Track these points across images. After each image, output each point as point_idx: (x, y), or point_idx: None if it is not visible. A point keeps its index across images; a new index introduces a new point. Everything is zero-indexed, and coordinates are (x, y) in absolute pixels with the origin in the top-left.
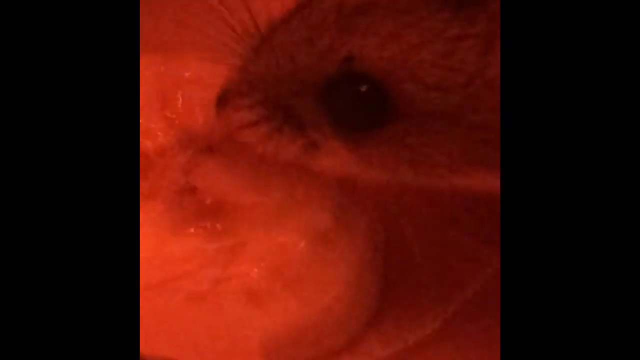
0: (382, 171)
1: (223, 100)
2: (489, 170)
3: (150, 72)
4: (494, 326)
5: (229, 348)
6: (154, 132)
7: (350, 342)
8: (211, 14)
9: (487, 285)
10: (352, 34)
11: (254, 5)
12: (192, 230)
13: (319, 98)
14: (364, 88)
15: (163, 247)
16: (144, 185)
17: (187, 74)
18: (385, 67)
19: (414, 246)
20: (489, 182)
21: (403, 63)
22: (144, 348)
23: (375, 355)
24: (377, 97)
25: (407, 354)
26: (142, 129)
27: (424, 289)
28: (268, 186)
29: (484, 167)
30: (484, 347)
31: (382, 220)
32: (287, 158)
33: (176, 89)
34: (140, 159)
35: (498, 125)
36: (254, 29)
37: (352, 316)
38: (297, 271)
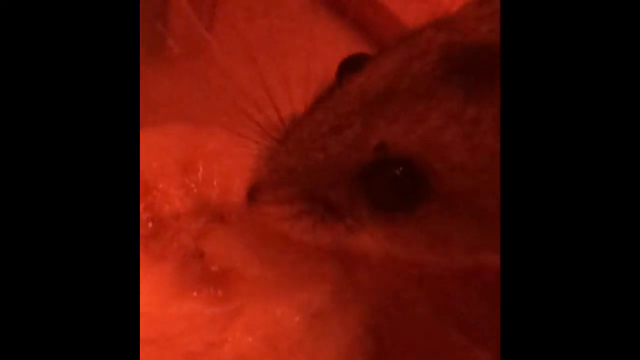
0: (411, 252)
1: (255, 193)
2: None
3: (175, 139)
4: None
5: None
6: (172, 196)
7: None
8: (236, 106)
9: None
10: (378, 121)
11: (277, 99)
12: (194, 293)
13: (354, 185)
14: (399, 171)
15: (166, 305)
16: (156, 246)
17: (209, 146)
18: (416, 149)
19: (406, 333)
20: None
21: (431, 144)
22: None
23: None
24: (411, 177)
25: None
26: (161, 192)
27: None
28: (272, 261)
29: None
30: None
31: (377, 305)
32: (324, 243)
33: (198, 159)
34: (155, 220)
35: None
36: (279, 123)
37: None
38: (289, 345)
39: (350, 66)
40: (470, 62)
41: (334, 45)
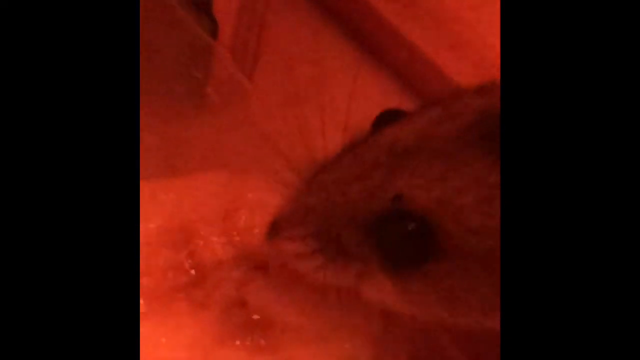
0: (421, 307)
1: (275, 229)
2: None
3: (217, 186)
4: None
5: None
6: (214, 245)
7: None
8: (276, 153)
9: None
10: (401, 173)
11: (311, 140)
12: (237, 342)
13: (368, 232)
14: (411, 226)
15: (209, 354)
16: (199, 294)
17: (250, 195)
18: (432, 207)
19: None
20: None
21: (447, 205)
22: None
23: None
24: (423, 235)
25: None
26: (203, 240)
27: None
28: (315, 311)
29: None
30: None
31: (414, 353)
32: (334, 283)
33: (239, 208)
34: (198, 268)
35: None
36: (309, 163)
37: None
38: None
39: (387, 119)
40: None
41: (374, 96)
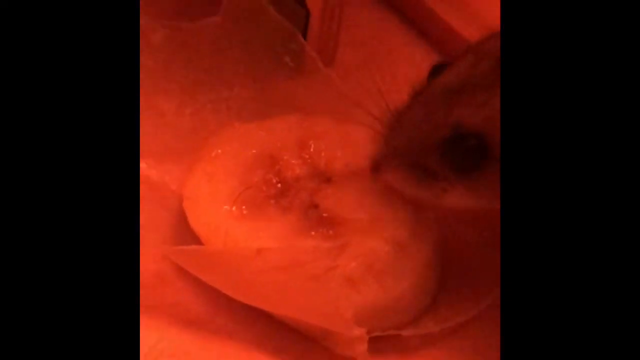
0: (483, 201)
1: (376, 165)
2: None
3: (292, 125)
4: None
5: (332, 314)
6: (293, 166)
7: (414, 318)
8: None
9: None
10: (456, 106)
11: (388, 96)
12: (313, 233)
13: (443, 154)
14: (471, 142)
15: (292, 243)
16: (284, 201)
17: (316, 129)
18: (482, 125)
19: (464, 254)
20: None
21: (493, 121)
22: (275, 310)
23: (430, 328)
24: (480, 147)
25: (451, 330)
26: (285, 162)
27: (466, 287)
28: (368, 207)
29: None
30: None
31: (441, 238)
32: (424, 198)
33: (310, 138)
34: (283, 183)
35: None
36: (389, 113)
37: (417, 301)
38: (382, 267)
39: (436, 71)
40: None
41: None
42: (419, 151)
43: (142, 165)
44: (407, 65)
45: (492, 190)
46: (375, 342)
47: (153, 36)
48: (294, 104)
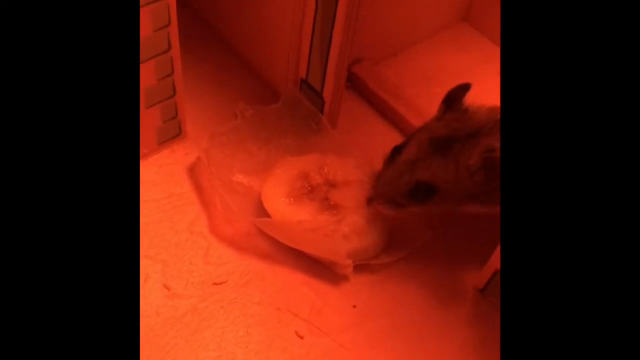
0: (430, 210)
1: (370, 201)
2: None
3: (314, 159)
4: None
5: (335, 253)
6: (316, 179)
7: (376, 255)
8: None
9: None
10: (416, 170)
11: (376, 159)
12: (326, 213)
13: (407, 195)
14: (423, 188)
15: (314, 217)
16: (311, 196)
17: (328, 160)
18: (430, 179)
19: (403, 227)
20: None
21: (435, 176)
22: (306, 250)
23: (384, 260)
24: (429, 189)
25: (396, 261)
26: (312, 177)
27: (402, 241)
28: (354, 201)
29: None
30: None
31: (393, 218)
32: (394, 214)
33: (324, 165)
34: (311, 187)
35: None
36: (376, 171)
37: (378, 247)
38: (360, 230)
39: (396, 149)
40: (450, 144)
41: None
42: (393, 194)
43: (240, 176)
44: (383, 143)
45: (437, 206)
46: (357, 267)
47: (247, 113)
48: (316, 148)
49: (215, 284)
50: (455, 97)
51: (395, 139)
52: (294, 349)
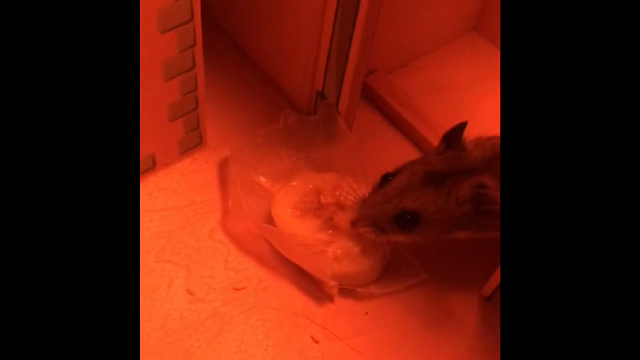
0: (413, 240)
1: (355, 223)
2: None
3: (330, 178)
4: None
5: (317, 268)
6: (327, 198)
7: (366, 283)
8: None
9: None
10: (403, 198)
11: (359, 188)
12: (328, 230)
13: (393, 222)
14: (408, 216)
15: (312, 233)
16: (318, 213)
17: (343, 183)
18: (416, 209)
19: (398, 258)
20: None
21: (422, 206)
22: (297, 262)
23: (373, 291)
24: (414, 218)
25: (385, 294)
26: (324, 196)
27: (396, 276)
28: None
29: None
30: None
31: (387, 249)
32: (379, 240)
33: (339, 187)
34: (320, 205)
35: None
36: (363, 196)
37: (368, 276)
38: (354, 256)
39: (386, 176)
40: (444, 179)
41: (399, 152)
42: (378, 218)
43: (262, 179)
44: (396, 154)
45: (420, 237)
46: (344, 291)
47: (289, 119)
48: (331, 163)
49: (235, 289)
50: (454, 136)
51: (407, 149)
52: (309, 353)
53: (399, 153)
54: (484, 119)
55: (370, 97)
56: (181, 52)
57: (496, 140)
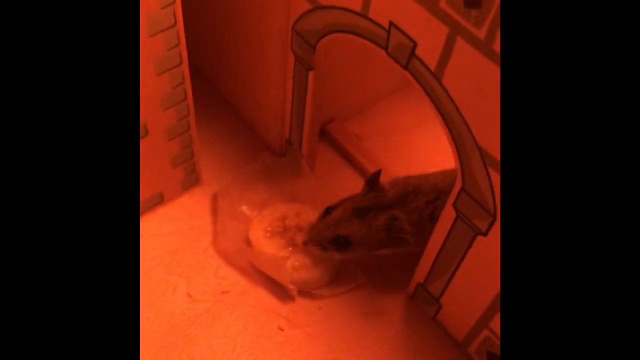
0: (349, 257)
1: (305, 243)
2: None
3: (295, 208)
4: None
5: (279, 275)
6: (291, 223)
7: (319, 287)
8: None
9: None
10: (339, 227)
11: (314, 215)
12: (287, 249)
13: (330, 242)
14: (342, 240)
15: (277, 250)
16: (283, 235)
17: (302, 210)
18: (347, 235)
19: (345, 266)
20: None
21: (351, 233)
22: (266, 272)
23: (324, 293)
24: (346, 241)
25: (332, 296)
26: (289, 221)
27: (343, 280)
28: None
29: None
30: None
31: (336, 260)
32: (322, 256)
33: (300, 213)
34: (285, 228)
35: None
36: (311, 222)
37: (320, 281)
38: (309, 266)
39: (328, 209)
40: (367, 212)
41: (353, 184)
42: (321, 241)
43: (244, 207)
44: (350, 186)
45: (352, 254)
46: (303, 292)
47: (267, 160)
48: (297, 195)
49: (223, 292)
50: (373, 180)
51: (358, 182)
52: (277, 338)
53: (352, 186)
54: (421, 155)
55: (330, 140)
56: (179, 120)
57: (409, 180)
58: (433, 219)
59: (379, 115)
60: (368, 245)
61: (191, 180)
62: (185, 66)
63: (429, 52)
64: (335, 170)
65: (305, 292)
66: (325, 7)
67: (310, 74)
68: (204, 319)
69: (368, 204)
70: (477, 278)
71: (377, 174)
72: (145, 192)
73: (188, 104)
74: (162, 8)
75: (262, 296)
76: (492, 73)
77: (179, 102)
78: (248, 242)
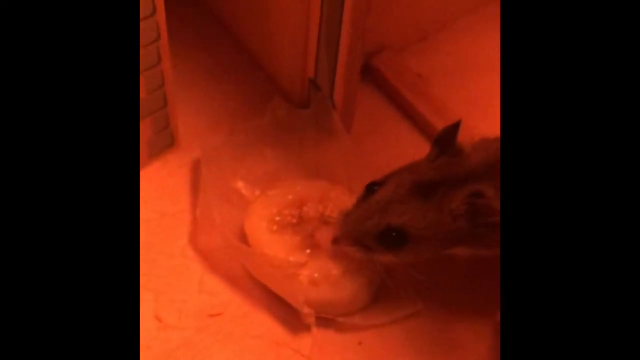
0: (401, 260)
1: (336, 241)
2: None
3: (319, 188)
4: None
5: (288, 293)
6: (310, 212)
7: (349, 312)
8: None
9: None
10: (388, 213)
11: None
12: (307, 250)
13: (375, 238)
14: (394, 234)
15: (287, 252)
16: (297, 229)
17: (331, 194)
18: (402, 225)
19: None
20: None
21: (408, 222)
22: (266, 284)
23: (357, 322)
24: (400, 235)
25: (373, 327)
26: (307, 209)
27: (383, 308)
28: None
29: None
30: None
31: (376, 274)
32: (362, 258)
33: (326, 199)
34: (300, 219)
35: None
36: (347, 208)
37: (354, 302)
38: (335, 280)
39: (370, 186)
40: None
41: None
42: (361, 235)
43: (240, 184)
44: (401, 151)
45: (411, 256)
46: (323, 322)
47: (279, 111)
48: (322, 167)
49: (210, 315)
50: (446, 139)
51: (420, 146)
52: None
53: (409, 151)
54: None
55: (377, 81)
56: (144, 47)
57: None
58: None
59: (450, 44)
60: (436, 240)
61: (163, 141)
62: None
63: None
64: (385, 128)
65: (328, 319)
66: None
67: None
68: (181, 356)
69: (436, 177)
70: None
71: (453, 128)
72: None
73: (157, 20)
74: None
75: (271, 322)
76: None
77: (144, 19)
78: (244, 236)
